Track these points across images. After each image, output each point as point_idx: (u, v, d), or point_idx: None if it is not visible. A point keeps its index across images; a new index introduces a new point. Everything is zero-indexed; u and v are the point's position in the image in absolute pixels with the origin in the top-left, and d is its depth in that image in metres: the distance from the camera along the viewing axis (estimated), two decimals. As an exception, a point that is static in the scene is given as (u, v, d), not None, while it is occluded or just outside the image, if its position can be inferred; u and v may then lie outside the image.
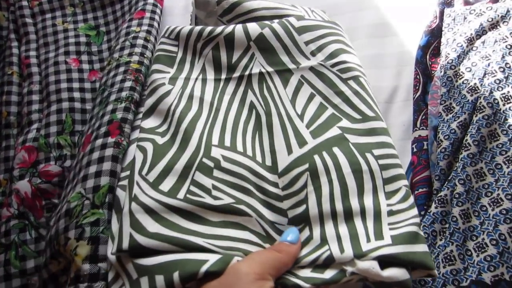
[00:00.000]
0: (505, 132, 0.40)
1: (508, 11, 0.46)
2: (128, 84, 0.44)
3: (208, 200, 0.32)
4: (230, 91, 0.41)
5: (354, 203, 0.33)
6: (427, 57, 0.49)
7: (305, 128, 0.37)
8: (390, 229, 0.32)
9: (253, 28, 0.42)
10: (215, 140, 0.36)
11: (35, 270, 0.39)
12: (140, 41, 0.50)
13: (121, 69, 0.47)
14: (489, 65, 0.43)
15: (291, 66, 0.41)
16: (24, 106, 0.50)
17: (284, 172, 0.35)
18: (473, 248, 0.37)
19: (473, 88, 0.43)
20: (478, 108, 0.42)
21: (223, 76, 0.42)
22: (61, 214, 0.36)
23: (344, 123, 0.37)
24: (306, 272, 0.30)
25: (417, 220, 0.32)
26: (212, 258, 0.29)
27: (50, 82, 0.51)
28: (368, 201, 0.33)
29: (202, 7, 0.48)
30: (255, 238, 0.32)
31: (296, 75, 0.41)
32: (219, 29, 0.43)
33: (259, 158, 0.36)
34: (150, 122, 0.38)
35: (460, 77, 0.45)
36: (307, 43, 0.42)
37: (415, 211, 0.33)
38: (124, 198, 0.33)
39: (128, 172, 0.36)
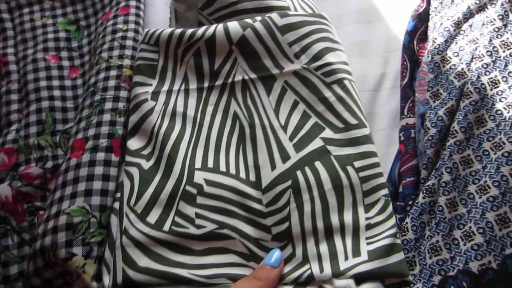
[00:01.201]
0: (492, 117, 0.39)
1: (495, -8, 0.45)
2: (124, 94, 0.44)
3: (191, 230, 0.34)
4: (213, 101, 0.41)
5: (334, 220, 0.35)
6: (415, 42, 0.48)
7: (288, 141, 0.38)
8: (368, 243, 0.34)
9: (235, 29, 0.41)
10: (198, 162, 0.37)
11: (19, 275, 0.39)
12: (129, 42, 0.49)
13: (113, 72, 0.46)
14: (476, 49, 0.42)
15: (275, 71, 0.41)
16: (3, 106, 0.49)
17: (268, 188, 0.36)
18: (460, 236, 0.37)
19: (460, 73, 0.42)
20: (465, 93, 0.41)
21: (206, 85, 0.41)
22: (59, 226, 0.35)
23: (327, 133, 0.38)
24: None
25: (394, 230, 0.35)
26: None
27: (28, 80, 0.50)
28: (348, 217, 0.35)
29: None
30: (239, 259, 0.34)
31: (279, 80, 0.40)
32: (199, 32, 0.42)
33: (242, 174, 0.37)
34: (135, 143, 0.39)
35: (448, 62, 0.43)
36: (290, 44, 0.41)
37: (392, 221, 0.36)
38: (115, 225, 0.36)
39: (118, 194, 0.38)
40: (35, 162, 0.45)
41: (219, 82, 0.41)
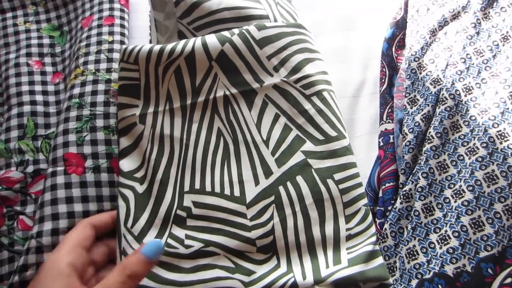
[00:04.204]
0: (467, 123, 0.40)
1: (468, 1, 0.46)
2: (113, 110, 0.45)
3: (181, 250, 0.37)
4: (197, 119, 0.42)
5: (316, 233, 0.37)
6: (393, 49, 0.49)
7: (271, 156, 0.39)
8: (348, 253, 0.36)
9: (213, 45, 0.41)
10: (186, 185, 0.40)
11: (-2, 279, 0.39)
12: (116, 55, 0.49)
13: (101, 87, 0.46)
14: (451, 56, 0.43)
15: (255, 85, 0.41)
16: (-16, 111, 0.49)
17: (251, 204, 0.38)
18: (437, 240, 0.37)
19: (436, 80, 0.43)
20: (441, 100, 0.42)
21: (188, 102, 0.42)
22: None
23: (308, 146, 0.39)
24: None
25: (373, 239, 0.37)
26: None
27: (10, 84, 0.50)
28: (329, 229, 0.37)
29: (159, 8, 0.46)
30: (224, 273, 0.36)
31: (260, 94, 0.41)
32: (178, 48, 0.42)
33: (227, 190, 0.39)
34: (127, 164, 0.41)
35: (424, 69, 0.44)
36: (269, 57, 0.41)
37: (372, 230, 0.37)
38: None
39: None
40: (15, 166, 0.44)
41: (201, 98, 0.41)
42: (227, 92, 0.41)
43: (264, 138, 0.40)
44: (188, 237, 0.38)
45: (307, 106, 0.40)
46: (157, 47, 0.42)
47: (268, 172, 0.39)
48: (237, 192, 0.39)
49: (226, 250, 0.37)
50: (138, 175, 0.40)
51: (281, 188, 0.38)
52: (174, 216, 0.39)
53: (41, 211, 0.39)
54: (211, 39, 0.42)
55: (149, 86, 0.43)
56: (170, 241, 0.38)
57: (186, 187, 0.40)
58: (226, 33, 0.42)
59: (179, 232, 0.38)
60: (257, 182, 0.39)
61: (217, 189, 0.39)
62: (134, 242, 0.37)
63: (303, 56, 0.42)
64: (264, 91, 0.41)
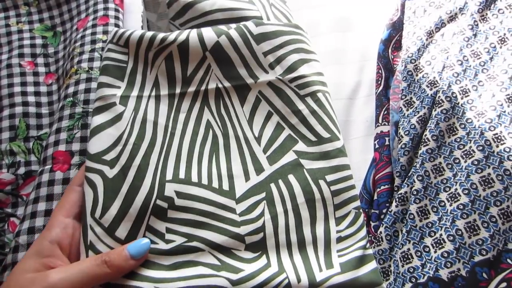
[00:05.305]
0: (463, 126, 0.40)
1: (466, 3, 0.45)
2: None
3: (161, 245, 0.34)
4: (185, 109, 0.40)
5: (307, 233, 0.36)
6: (389, 51, 0.49)
7: (262, 153, 0.38)
8: (339, 256, 0.35)
9: (209, 35, 0.40)
10: (169, 174, 0.36)
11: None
12: None
13: (94, 84, 0.46)
14: (447, 58, 0.43)
15: (249, 80, 0.40)
16: (-25, 112, 0.48)
17: (241, 199, 0.37)
18: (431, 244, 0.37)
19: (432, 82, 0.43)
20: (437, 102, 0.41)
21: (178, 91, 0.40)
22: None
23: (300, 146, 0.39)
24: None
25: (364, 242, 0.36)
26: None
27: (2, 85, 0.49)
28: (320, 230, 0.36)
29: (152, 8, 0.45)
30: (208, 270, 0.34)
31: (253, 91, 0.40)
32: (172, 36, 0.40)
33: (215, 183, 0.37)
34: (96, 144, 0.37)
35: (420, 71, 0.44)
36: (265, 53, 0.41)
37: (362, 232, 0.36)
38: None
39: None
40: (6, 168, 0.44)
41: (191, 88, 0.40)
42: (220, 85, 0.40)
43: (256, 135, 0.39)
44: (169, 230, 0.35)
45: (301, 106, 0.40)
46: (150, 33, 0.41)
47: (259, 169, 0.38)
48: (226, 186, 0.37)
49: (211, 246, 0.35)
50: (108, 157, 0.36)
51: (272, 186, 0.37)
52: (153, 206, 0.35)
53: (25, 211, 0.39)
54: (207, 31, 0.40)
55: (136, 70, 0.40)
56: (148, 235, 0.35)
57: (169, 176, 0.36)
58: (223, 27, 0.41)
59: (159, 225, 0.35)
60: (247, 178, 0.38)
61: (204, 180, 0.37)
62: (105, 235, 0.34)
63: (299, 56, 0.41)
64: (258, 88, 0.40)
